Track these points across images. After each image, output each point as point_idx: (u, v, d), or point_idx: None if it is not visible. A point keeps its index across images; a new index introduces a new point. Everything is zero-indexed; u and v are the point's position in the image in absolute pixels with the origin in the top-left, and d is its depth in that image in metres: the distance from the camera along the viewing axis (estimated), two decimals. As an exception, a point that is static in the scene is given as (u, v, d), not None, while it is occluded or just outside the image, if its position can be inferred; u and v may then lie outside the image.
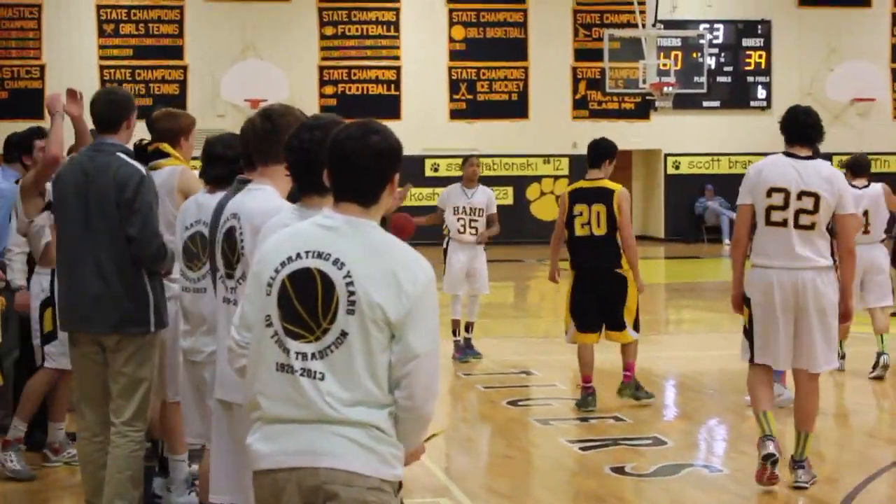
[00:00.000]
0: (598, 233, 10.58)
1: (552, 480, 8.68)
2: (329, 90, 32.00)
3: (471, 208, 13.34)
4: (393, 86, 32.29)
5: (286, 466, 3.94)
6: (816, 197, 7.87)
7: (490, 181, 32.57)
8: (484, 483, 8.63)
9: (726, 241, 30.05)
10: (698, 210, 32.91)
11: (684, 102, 31.57)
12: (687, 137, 32.96)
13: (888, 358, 12.12)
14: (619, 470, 8.61)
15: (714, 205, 32.57)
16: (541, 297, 23.30)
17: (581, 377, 10.75)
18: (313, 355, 3.90)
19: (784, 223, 7.90)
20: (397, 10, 32.29)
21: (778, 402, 9.56)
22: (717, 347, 14.27)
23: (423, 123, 31.94)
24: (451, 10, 32.54)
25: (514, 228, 32.45)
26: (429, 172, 31.72)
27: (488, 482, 8.64)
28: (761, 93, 33.49)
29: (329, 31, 32.05)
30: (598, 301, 10.66)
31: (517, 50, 32.77)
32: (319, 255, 3.94)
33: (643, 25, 28.23)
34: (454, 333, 13.46)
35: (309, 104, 31.44)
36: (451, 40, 32.61)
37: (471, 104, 32.62)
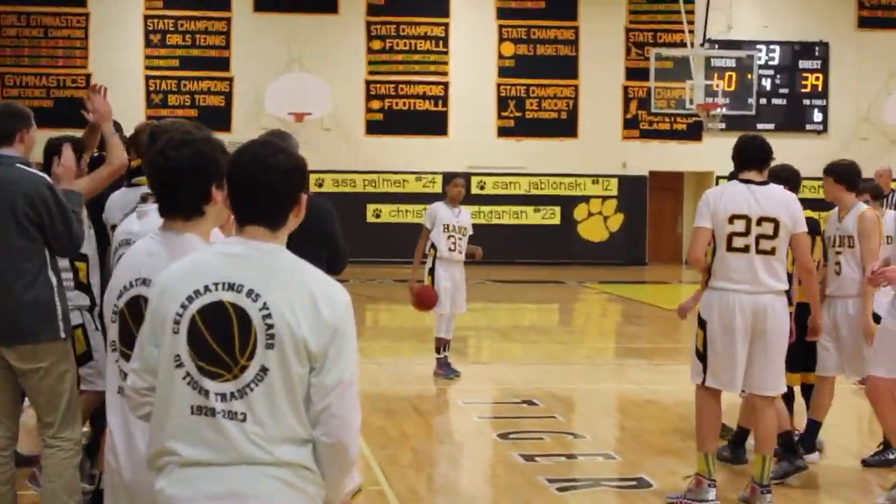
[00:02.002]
0: None
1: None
2: (375, 105, 31.66)
3: (458, 227, 13.29)
4: (440, 102, 31.89)
5: None
6: (776, 222, 7.93)
7: (537, 200, 32.47)
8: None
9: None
10: (750, 234, 32.22)
11: (737, 124, 30.72)
12: (740, 160, 32.15)
13: None
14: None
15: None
16: (586, 319, 22.76)
17: None
18: (233, 395, 3.61)
19: (746, 249, 7.94)
20: (446, 26, 31.91)
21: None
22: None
23: (471, 140, 31.58)
24: (500, 27, 32.11)
25: (560, 249, 32.01)
26: (475, 190, 31.24)
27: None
28: (817, 116, 32.76)
29: (377, 45, 31.72)
30: None
31: (567, 68, 32.25)
32: (231, 287, 3.65)
33: (692, 45, 27.59)
34: (437, 351, 13.43)
35: (355, 119, 31.23)
36: (501, 56, 32.16)
37: (519, 122, 32.15)
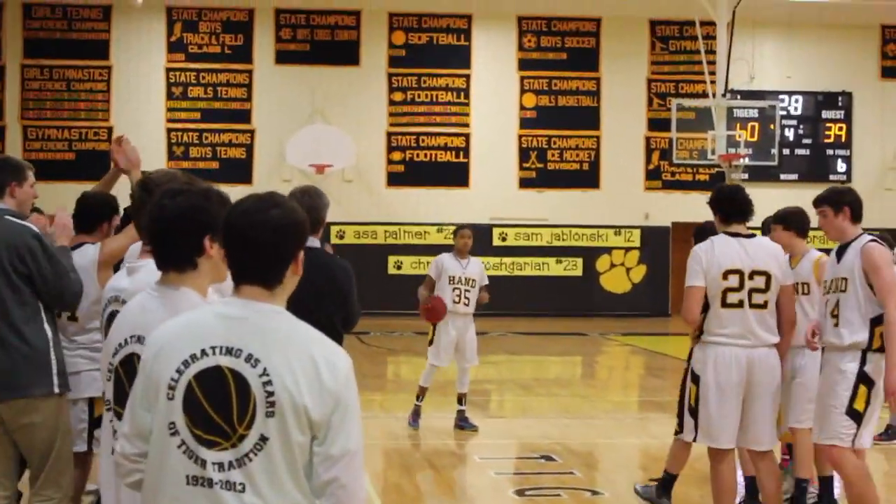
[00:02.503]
0: None
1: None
2: (397, 156, 31.63)
3: (465, 279, 13.35)
4: (462, 153, 31.84)
5: None
6: (767, 275, 7.80)
7: (559, 252, 32.30)
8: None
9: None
10: (774, 285, 31.94)
11: (760, 174, 30.60)
12: (763, 210, 31.69)
13: None
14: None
15: (791, 280, 31.60)
16: (608, 372, 22.51)
17: None
18: (231, 464, 3.41)
19: (740, 304, 7.78)
20: (468, 77, 31.91)
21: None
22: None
23: (492, 192, 31.51)
24: (522, 78, 32.08)
25: (582, 301, 31.80)
26: (496, 242, 31.18)
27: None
28: (841, 166, 32.57)
29: (398, 96, 31.72)
30: None
31: (589, 119, 32.19)
32: (229, 352, 3.46)
33: (714, 95, 27.48)
34: (417, 398, 13.47)
35: (376, 170, 31.18)
36: (522, 108, 32.13)
37: (541, 173, 32.06)
